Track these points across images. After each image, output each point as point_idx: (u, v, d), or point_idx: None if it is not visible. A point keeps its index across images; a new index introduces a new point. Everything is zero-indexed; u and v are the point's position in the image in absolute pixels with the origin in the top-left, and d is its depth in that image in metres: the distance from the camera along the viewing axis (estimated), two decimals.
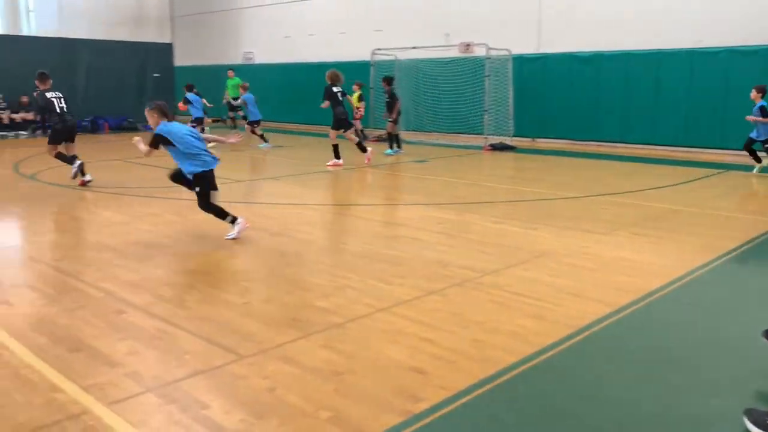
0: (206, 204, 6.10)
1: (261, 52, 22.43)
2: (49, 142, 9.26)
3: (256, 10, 22.27)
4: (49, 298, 4.45)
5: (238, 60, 23.04)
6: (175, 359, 3.50)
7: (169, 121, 6.04)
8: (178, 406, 2.98)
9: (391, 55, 17.23)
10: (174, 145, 5.88)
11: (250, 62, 22.83)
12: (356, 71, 17.64)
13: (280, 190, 9.24)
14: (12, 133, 17.10)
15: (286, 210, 7.70)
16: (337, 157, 11.44)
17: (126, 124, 19.19)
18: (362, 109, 15.57)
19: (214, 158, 6.11)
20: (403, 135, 17.12)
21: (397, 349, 3.64)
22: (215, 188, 6.16)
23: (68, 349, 3.61)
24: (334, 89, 11.23)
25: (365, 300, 4.45)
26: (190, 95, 14.92)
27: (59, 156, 9.22)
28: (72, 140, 9.37)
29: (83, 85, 18.86)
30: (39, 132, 17.14)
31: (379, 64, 17.42)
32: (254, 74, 22.32)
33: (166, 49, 21.65)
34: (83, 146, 14.73)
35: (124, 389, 3.14)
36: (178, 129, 5.98)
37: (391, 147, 13.72)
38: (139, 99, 19.10)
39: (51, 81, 9.48)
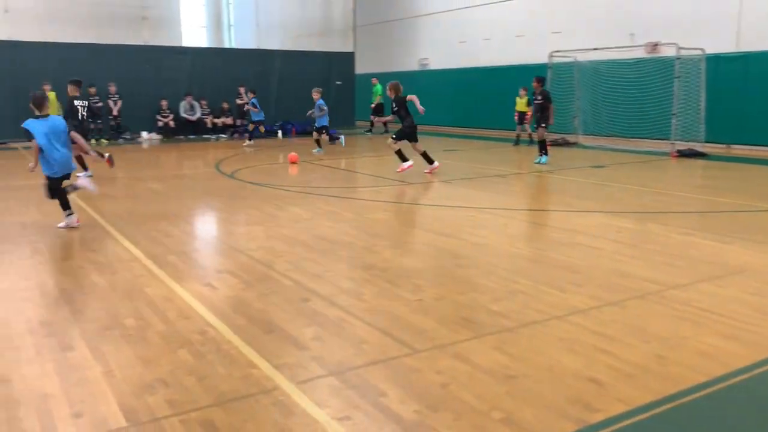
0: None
1: (436, 58, 22.83)
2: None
3: (432, 17, 22.72)
4: (247, 284, 4.93)
5: (413, 66, 23.67)
6: (354, 347, 3.71)
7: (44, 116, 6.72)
8: (357, 391, 3.17)
9: (570, 57, 16.69)
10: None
11: (426, 68, 23.33)
12: (533, 74, 17.31)
13: (452, 193, 9.35)
14: (214, 136, 19.05)
15: (458, 212, 7.78)
16: (404, 159, 10.90)
17: (310, 128, 20.49)
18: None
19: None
20: (581, 139, 16.51)
21: (572, 357, 3.55)
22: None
23: (262, 330, 3.98)
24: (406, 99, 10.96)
25: (538, 306, 4.39)
26: (254, 100, 16.49)
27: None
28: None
29: (275, 93, 20.50)
30: (236, 135, 18.95)
31: (557, 67, 16.94)
32: (429, 80, 22.80)
33: (348, 58, 22.83)
34: (272, 149, 16.04)
35: (309, 371, 3.40)
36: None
37: (540, 154, 12.44)
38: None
39: (80, 90, 10.74)
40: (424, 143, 14.83)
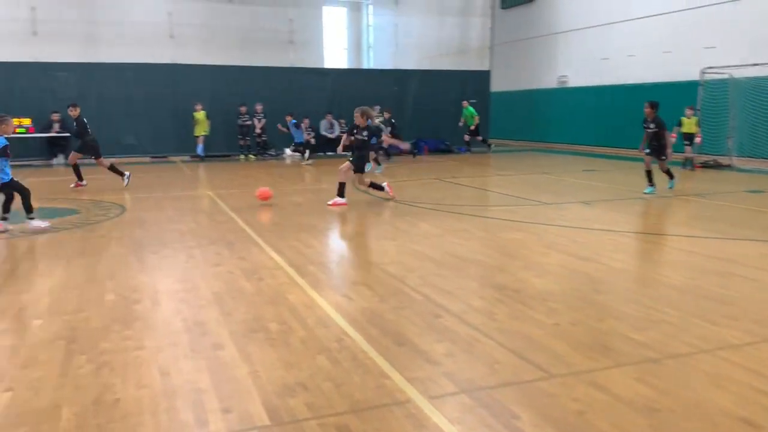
0: None
1: (576, 75, 22.19)
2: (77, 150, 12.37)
3: (572, 33, 22.13)
4: (380, 297, 5.06)
5: (551, 84, 23.15)
6: (487, 367, 3.69)
7: None
8: (489, 411, 3.15)
9: (725, 73, 15.55)
10: None
11: (564, 85, 22.73)
12: (681, 93, 16.31)
13: (591, 215, 9.02)
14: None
15: (597, 235, 7.49)
16: (380, 188, 10.35)
17: (443, 146, 20.68)
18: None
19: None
20: (735, 161, 15.31)
21: (723, 395, 3.30)
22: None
23: (394, 342, 4.07)
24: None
25: (685, 338, 4.11)
26: (292, 121, 17.29)
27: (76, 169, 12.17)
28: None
29: (410, 111, 20.91)
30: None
31: (709, 84, 15.85)
32: (568, 97, 22.19)
33: (484, 76, 22.79)
34: (402, 166, 16.33)
35: (441, 386, 3.43)
36: None
37: (651, 183, 10.87)
38: (456, 123, 20.45)
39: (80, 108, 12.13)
40: (562, 162, 14.38)
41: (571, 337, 4.16)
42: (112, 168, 12.31)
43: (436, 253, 6.51)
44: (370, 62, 24.43)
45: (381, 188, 10.34)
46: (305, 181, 13.98)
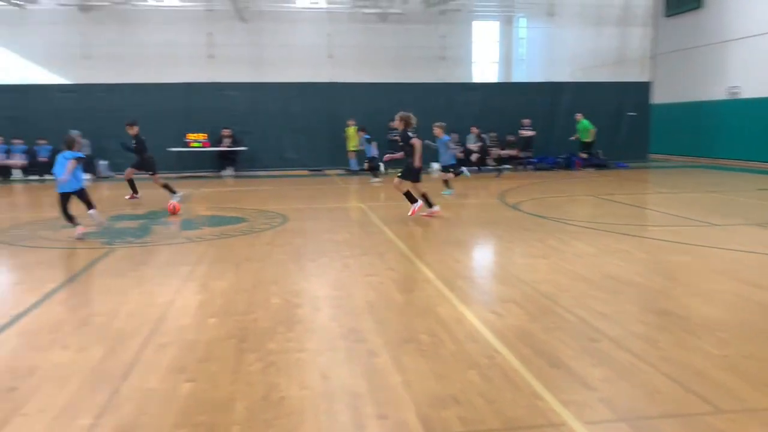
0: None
1: (749, 86, 20.34)
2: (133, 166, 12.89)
3: (745, 40, 20.33)
4: (531, 316, 4.98)
5: (720, 95, 21.41)
6: (647, 396, 3.51)
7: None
8: None
9: None
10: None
11: (736, 97, 20.92)
12: None
13: (767, 239, 8.23)
14: (496, 168, 19.57)
15: None
16: (426, 204, 10.04)
17: (598, 161, 19.85)
18: None
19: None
20: None
21: None
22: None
23: (548, 363, 3.99)
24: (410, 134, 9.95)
25: None
26: (366, 137, 16.96)
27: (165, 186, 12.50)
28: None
29: (562, 125, 20.31)
30: (521, 167, 19.23)
31: None
32: (739, 109, 20.40)
33: (643, 88, 21.61)
34: (556, 182, 15.89)
35: (598, 412, 3.32)
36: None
37: None
38: (613, 137, 19.56)
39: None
40: (731, 179, 13.33)
41: (743, 370, 3.84)
42: (166, 186, 12.63)
43: (591, 274, 6.28)
44: (520, 75, 24.12)
45: (429, 204, 10.05)
46: (452, 196, 14.07)
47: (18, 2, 20.27)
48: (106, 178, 18.17)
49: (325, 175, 18.71)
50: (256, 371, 3.91)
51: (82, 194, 8.84)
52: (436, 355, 4.13)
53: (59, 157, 8.73)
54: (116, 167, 18.54)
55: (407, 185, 10.02)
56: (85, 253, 7.62)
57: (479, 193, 14.24)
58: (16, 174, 18.06)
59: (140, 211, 11.08)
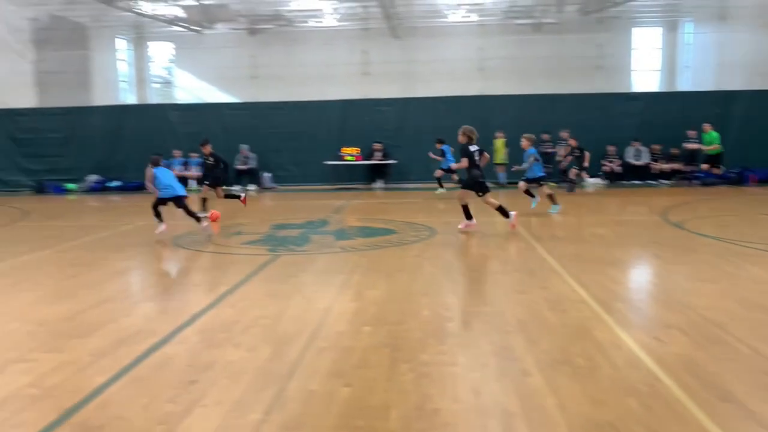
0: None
1: None
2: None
3: None
4: (697, 344, 4.65)
5: None
6: None
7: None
8: None
9: None
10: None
11: None
12: None
13: None
14: (656, 182, 18.42)
15: None
16: (468, 217, 10.09)
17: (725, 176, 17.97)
18: None
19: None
20: None
21: None
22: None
23: (717, 397, 3.72)
24: (471, 148, 9.95)
25: None
26: (444, 147, 16.18)
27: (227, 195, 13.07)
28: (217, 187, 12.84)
29: (735, 136, 18.65)
30: (685, 182, 17.96)
31: None
32: None
33: None
34: (726, 199, 14.62)
35: None
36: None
37: None
38: None
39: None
40: None
41: None
42: (229, 196, 13.44)
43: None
44: (685, 84, 22.54)
45: (506, 215, 10.00)
46: (608, 212, 13.46)
47: (196, 28, 22.43)
48: (269, 189, 19.49)
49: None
50: (410, 381, 4.03)
51: (178, 201, 10.25)
52: (591, 379, 4.00)
53: (164, 171, 10.41)
54: (279, 180, 19.86)
55: (487, 198, 10.06)
56: (252, 260, 8.25)
57: (639, 209, 13.49)
58: (192, 184, 19.93)
59: (299, 221, 11.78)
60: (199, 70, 25.42)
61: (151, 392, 3.93)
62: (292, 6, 21.55)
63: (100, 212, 14.79)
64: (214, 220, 10.59)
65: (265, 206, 15.60)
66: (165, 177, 10.18)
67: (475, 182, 9.95)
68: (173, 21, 22.57)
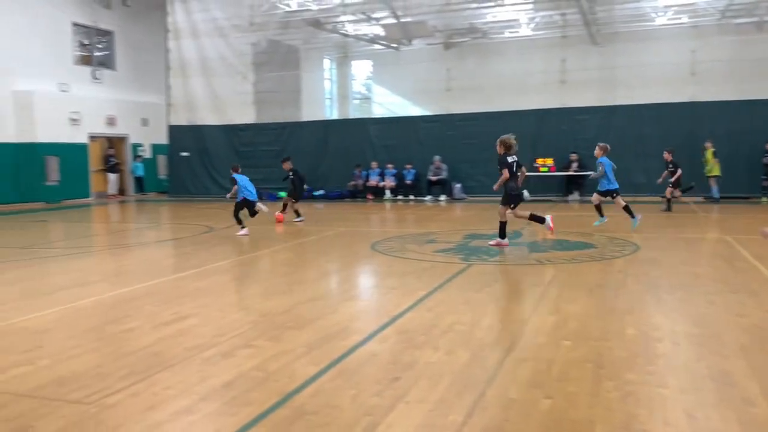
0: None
1: None
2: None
3: None
4: None
5: None
6: None
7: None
8: None
9: None
10: None
11: None
12: None
13: None
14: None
15: None
16: (502, 236, 9.72)
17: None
18: None
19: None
20: None
21: None
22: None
23: None
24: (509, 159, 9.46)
25: None
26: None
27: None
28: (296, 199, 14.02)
29: None
30: None
31: None
32: None
33: None
34: None
35: None
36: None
37: None
38: None
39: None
40: None
41: None
42: (296, 212, 14.12)
43: None
44: None
45: (541, 220, 9.85)
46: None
47: (394, 45, 23.47)
48: (460, 199, 19.74)
49: (682, 202, 17.26)
50: (615, 399, 3.85)
51: (249, 204, 12.10)
52: None
53: (244, 179, 12.15)
54: (469, 190, 20.04)
55: (516, 211, 9.72)
56: (445, 267, 8.43)
57: None
58: (387, 194, 20.85)
59: (491, 232, 11.76)
60: (395, 85, 26.58)
61: (358, 385, 4.20)
62: (488, 18, 21.70)
63: (307, 218, 16.03)
64: (279, 221, 13.17)
65: (457, 216, 15.81)
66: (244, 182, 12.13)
67: (511, 196, 9.61)
68: (373, 40, 23.88)
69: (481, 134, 20.00)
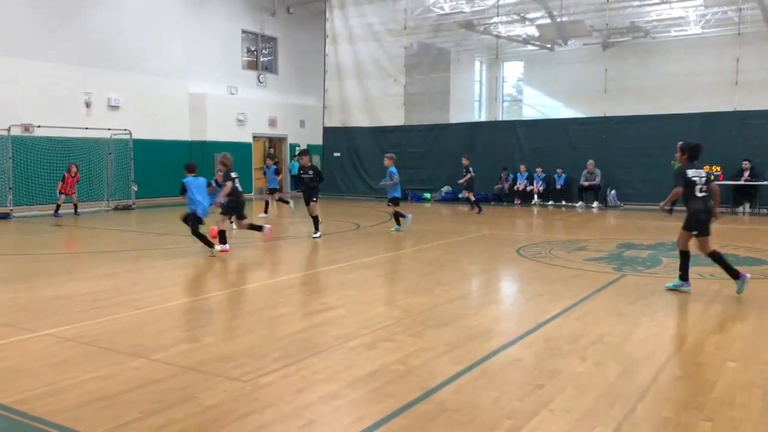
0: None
1: None
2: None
3: None
4: None
5: None
6: None
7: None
8: None
9: None
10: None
11: None
12: None
13: None
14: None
15: None
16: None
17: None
18: None
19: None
20: None
21: None
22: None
23: None
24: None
25: None
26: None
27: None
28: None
29: None
30: None
31: None
32: None
33: None
34: None
35: None
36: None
37: None
38: None
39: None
40: None
41: None
42: (316, 219, 11.79)
43: None
44: None
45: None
46: None
47: (548, 46, 22.82)
48: (614, 207, 18.75)
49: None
50: None
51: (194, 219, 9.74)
52: None
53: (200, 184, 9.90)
54: (624, 197, 18.99)
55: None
56: (596, 276, 8.05)
57: None
58: (535, 199, 20.31)
59: (648, 242, 11.06)
60: (547, 87, 25.85)
61: (500, 387, 4.13)
62: (651, 17, 20.45)
63: (451, 220, 16.07)
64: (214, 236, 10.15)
65: (610, 224, 15.05)
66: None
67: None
68: (527, 40, 23.40)
69: (639, 138, 18.90)
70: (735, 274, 6.91)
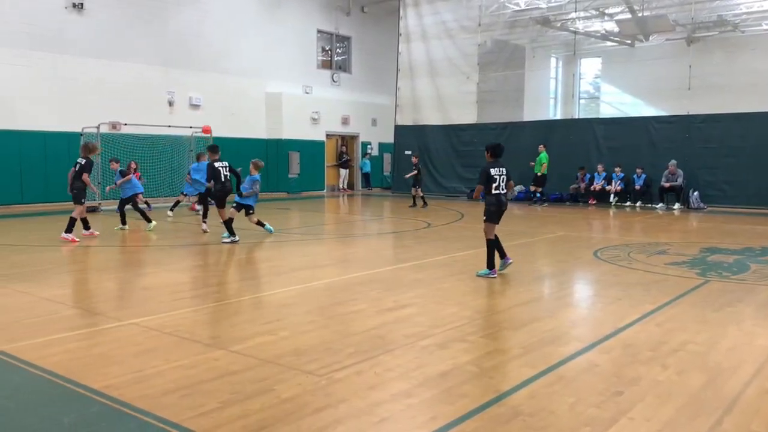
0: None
1: None
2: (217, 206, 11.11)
3: None
4: None
5: None
6: None
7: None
8: None
9: None
10: None
11: None
12: None
13: None
14: None
15: None
16: None
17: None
18: None
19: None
20: None
21: None
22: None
23: None
24: None
25: None
26: None
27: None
28: (222, 205, 10.98)
29: None
30: None
31: None
32: None
33: None
34: None
35: None
36: None
37: None
38: None
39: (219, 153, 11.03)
40: None
41: None
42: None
43: None
44: None
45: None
46: None
47: (628, 42, 22.06)
48: (697, 209, 17.93)
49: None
50: None
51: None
52: None
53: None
54: (708, 199, 18.15)
55: None
56: (678, 281, 7.73)
57: None
58: (613, 199, 19.68)
59: (735, 246, 10.53)
60: (626, 84, 25.02)
61: (577, 393, 4.04)
62: (741, 9, 19.44)
63: (524, 220, 15.79)
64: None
65: (692, 227, 14.41)
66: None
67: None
68: (605, 36, 22.71)
69: (724, 137, 18.03)
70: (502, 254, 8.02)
